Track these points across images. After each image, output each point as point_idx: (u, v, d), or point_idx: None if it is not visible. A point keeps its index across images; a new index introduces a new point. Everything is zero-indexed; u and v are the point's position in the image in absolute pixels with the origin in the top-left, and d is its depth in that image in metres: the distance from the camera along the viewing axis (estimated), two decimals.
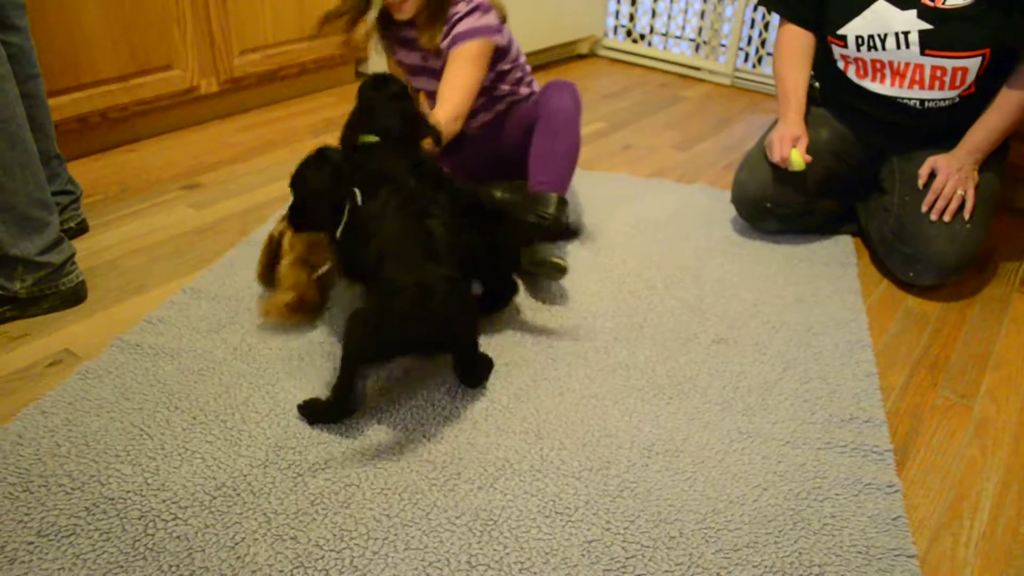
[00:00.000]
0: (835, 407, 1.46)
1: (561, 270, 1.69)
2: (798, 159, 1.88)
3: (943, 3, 1.74)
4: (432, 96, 1.91)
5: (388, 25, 1.87)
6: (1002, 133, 1.81)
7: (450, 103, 1.73)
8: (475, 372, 1.45)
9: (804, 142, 1.92)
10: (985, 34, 1.72)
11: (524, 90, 1.98)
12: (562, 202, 1.73)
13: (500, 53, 1.87)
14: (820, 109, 2.04)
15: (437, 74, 1.85)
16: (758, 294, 1.80)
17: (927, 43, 1.77)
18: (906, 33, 1.78)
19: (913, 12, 1.76)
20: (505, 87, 1.94)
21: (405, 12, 1.78)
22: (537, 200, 1.72)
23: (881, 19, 1.81)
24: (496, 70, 1.90)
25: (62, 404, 1.35)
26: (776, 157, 1.90)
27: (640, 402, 1.44)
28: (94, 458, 1.24)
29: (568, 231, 1.70)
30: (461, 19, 1.78)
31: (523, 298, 1.72)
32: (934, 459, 1.39)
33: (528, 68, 2.00)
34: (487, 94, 1.93)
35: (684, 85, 3.38)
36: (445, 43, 1.79)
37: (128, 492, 1.19)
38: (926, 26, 1.75)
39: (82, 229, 1.89)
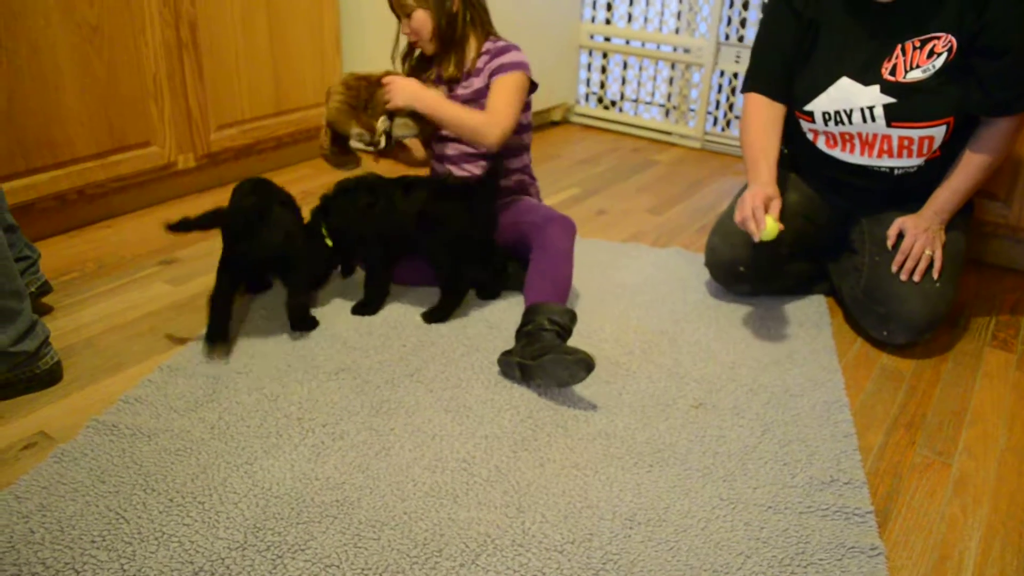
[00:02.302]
0: (815, 469, 1.46)
1: (588, 366, 1.57)
2: (770, 228, 1.81)
3: (904, 77, 1.79)
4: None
5: (414, 67, 2.07)
6: (966, 193, 1.86)
7: (496, 115, 1.90)
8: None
9: (777, 204, 1.85)
10: (947, 104, 1.78)
11: (529, 180, 2.12)
12: (571, 314, 1.72)
13: (526, 104, 2.02)
14: (789, 173, 2.08)
15: (456, 100, 1.99)
16: (735, 357, 1.82)
17: (892, 116, 1.81)
18: (871, 108, 1.82)
19: (876, 87, 1.81)
20: (517, 164, 2.06)
21: (425, 49, 2.00)
22: (545, 309, 1.72)
23: (845, 95, 1.85)
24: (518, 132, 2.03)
25: (36, 488, 1.33)
26: (742, 216, 1.81)
27: (621, 471, 1.44)
28: (69, 544, 1.22)
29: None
30: (503, 52, 1.96)
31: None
32: (916, 519, 1.39)
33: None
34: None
35: (656, 149, 3.45)
36: (487, 71, 1.96)
37: None
38: (890, 100, 1.80)
39: (44, 291, 1.88)
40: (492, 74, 1.95)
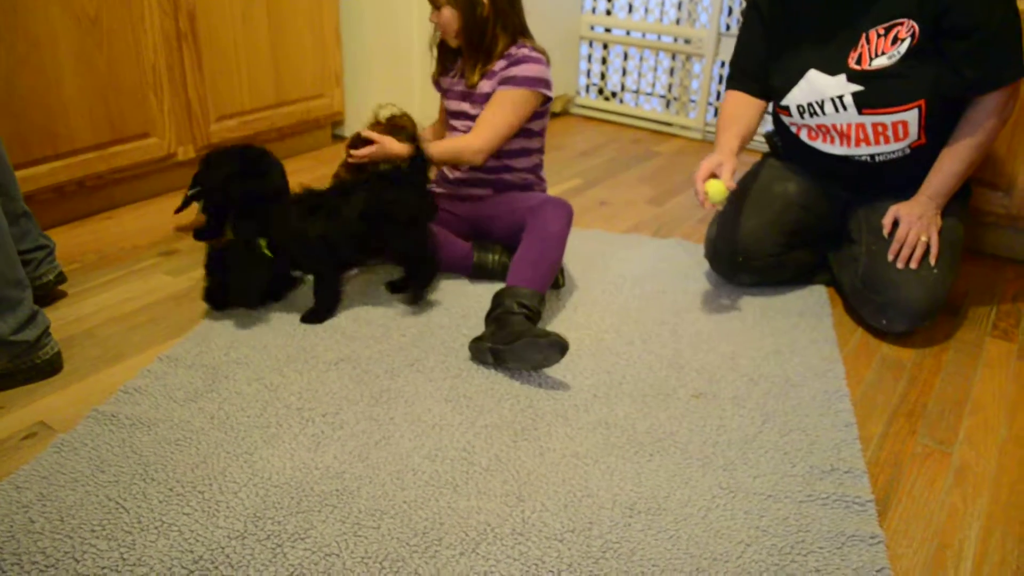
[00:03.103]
0: (815, 458, 1.46)
1: (562, 348, 1.60)
2: (715, 190, 1.77)
3: (870, 65, 1.80)
4: (459, 116, 2.05)
5: (442, 56, 2.07)
6: (958, 177, 1.85)
7: (480, 136, 1.89)
8: None
9: (728, 167, 1.80)
10: (916, 88, 1.78)
11: (535, 179, 2.11)
12: (540, 297, 1.75)
13: (538, 113, 1.98)
14: (786, 162, 2.08)
15: (475, 98, 1.99)
16: (735, 347, 1.81)
17: (862, 103, 1.83)
18: (840, 97, 1.84)
19: (843, 76, 1.83)
20: (523, 164, 2.05)
21: (449, 43, 1.99)
22: (514, 293, 1.74)
23: (815, 87, 1.87)
24: (528, 132, 2.01)
25: (36, 478, 1.33)
26: (698, 196, 1.81)
27: (621, 460, 1.44)
28: (69, 534, 1.22)
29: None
30: (520, 62, 1.91)
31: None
32: (916, 508, 1.39)
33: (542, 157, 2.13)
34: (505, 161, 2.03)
35: (656, 140, 3.44)
36: (498, 78, 1.93)
37: (103, 568, 1.16)
38: (858, 88, 1.82)
39: (60, 280, 1.88)
40: (502, 82, 1.92)
